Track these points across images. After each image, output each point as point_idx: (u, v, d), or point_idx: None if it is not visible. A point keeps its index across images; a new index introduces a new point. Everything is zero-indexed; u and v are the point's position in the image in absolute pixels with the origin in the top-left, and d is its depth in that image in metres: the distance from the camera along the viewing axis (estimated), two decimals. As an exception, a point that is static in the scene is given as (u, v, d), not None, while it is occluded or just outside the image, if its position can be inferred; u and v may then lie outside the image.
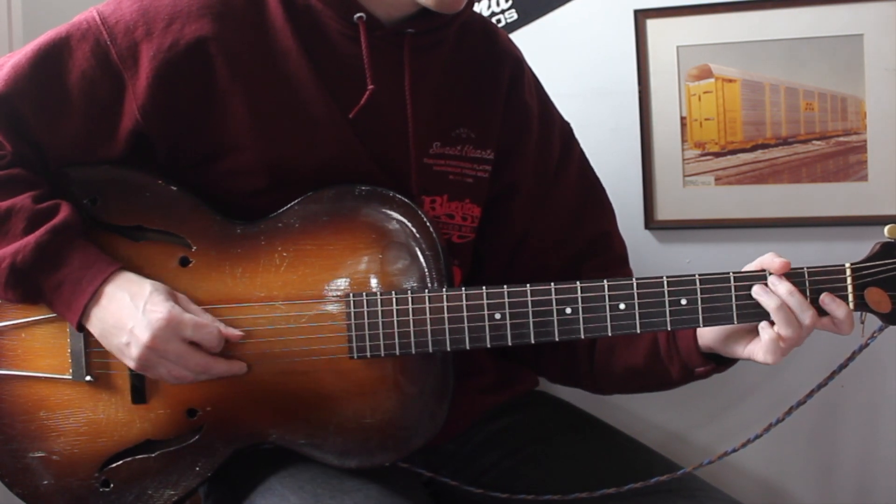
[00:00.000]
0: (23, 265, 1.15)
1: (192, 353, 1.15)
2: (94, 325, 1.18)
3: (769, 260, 1.13)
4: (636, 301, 1.13)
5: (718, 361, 1.22)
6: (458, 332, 1.16)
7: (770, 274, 1.12)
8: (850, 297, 1.12)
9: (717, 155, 1.73)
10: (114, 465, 1.22)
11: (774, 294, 1.11)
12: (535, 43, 1.73)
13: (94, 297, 1.16)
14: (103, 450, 1.22)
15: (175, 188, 1.23)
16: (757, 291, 1.12)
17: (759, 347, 1.13)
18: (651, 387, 1.33)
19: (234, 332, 1.17)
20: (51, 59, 1.20)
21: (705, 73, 1.71)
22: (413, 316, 1.16)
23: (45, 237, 1.16)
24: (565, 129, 1.41)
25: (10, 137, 1.21)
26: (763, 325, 1.12)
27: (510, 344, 1.16)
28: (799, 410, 1.20)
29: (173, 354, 1.14)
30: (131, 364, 1.16)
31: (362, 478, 1.20)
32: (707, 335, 1.19)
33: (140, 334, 1.14)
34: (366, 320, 1.17)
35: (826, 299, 1.12)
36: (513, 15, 1.81)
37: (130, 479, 1.22)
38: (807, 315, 1.10)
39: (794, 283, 1.12)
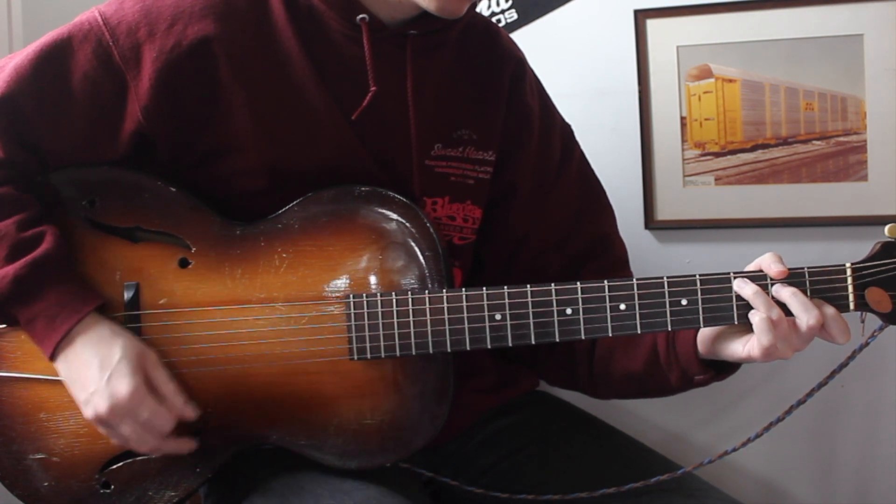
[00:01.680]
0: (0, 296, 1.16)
1: (142, 435, 1.15)
2: (61, 370, 1.17)
3: (767, 264, 1.13)
4: (636, 302, 1.13)
5: (718, 369, 1.21)
6: (459, 332, 1.16)
7: (770, 277, 1.12)
8: (851, 297, 1.11)
9: (717, 155, 1.73)
10: (114, 466, 1.21)
11: (752, 283, 1.12)
12: (535, 43, 1.73)
13: (66, 337, 1.15)
14: (103, 451, 1.22)
15: (174, 189, 1.23)
16: (738, 285, 1.12)
17: (754, 335, 1.12)
18: (650, 393, 1.33)
19: (190, 414, 1.17)
20: (53, 60, 1.20)
21: (705, 73, 1.72)
22: (413, 317, 1.16)
23: (23, 271, 1.15)
24: (566, 131, 1.41)
25: (7, 142, 1.20)
26: (752, 312, 1.12)
27: (510, 345, 1.16)
28: (799, 410, 1.20)
29: (125, 431, 1.15)
30: (86, 418, 1.17)
31: (362, 478, 1.20)
32: (707, 339, 1.19)
33: (98, 402, 1.14)
34: (366, 321, 1.17)
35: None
36: (513, 15, 1.81)
37: (131, 481, 1.21)
38: (812, 315, 1.10)
39: (795, 284, 1.11)
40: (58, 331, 1.15)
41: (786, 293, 1.11)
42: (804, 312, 1.10)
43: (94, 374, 1.15)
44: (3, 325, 1.23)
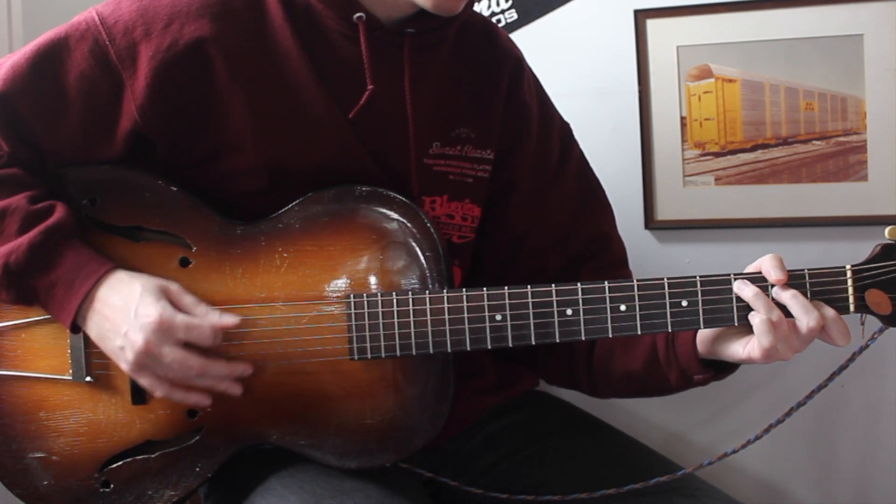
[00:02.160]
0: (16, 266, 1.15)
1: (186, 356, 1.14)
2: (91, 329, 1.18)
3: (767, 269, 1.13)
4: (637, 303, 1.13)
5: (717, 369, 1.21)
6: (459, 333, 1.16)
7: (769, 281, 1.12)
8: (851, 299, 1.11)
9: (717, 155, 1.73)
10: (114, 465, 1.22)
11: (752, 285, 1.12)
12: (535, 43, 1.73)
13: (87, 298, 1.16)
14: (103, 450, 1.22)
15: (175, 188, 1.23)
16: (738, 287, 1.12)
17: (755, 337, 1.12)
18: (649, 392, 1.33)
19: (229, 321, 1.15)
20: (50, 59, 1.20)
21: (705, 73, 1.72)
22: (414, 317, 1.16)
23: (38, 238, 1.15)
24: (565, 130, 1.41)
25: (8, 138, 1.21)
26: (752, 314, 1.12)
27: (511, 345, 1.15)
28: (799, 411, 1.20)
29: (168, 357, 1.13)
30: (127, 368, 1.16)
31: (362, 478, 1.20)
32: (706, 339, 1.19)
33: (133, 337, 1.14)
34: (366, 321, 1.17)
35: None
36: (513, 15, 1.81)
37: (130, 480, 1.21)
38: (812, 317, 1.10)
39: (795, 285, 1.11)
40: (78, 293, 1.15)
41: (786, 295, 1.11)
42: (804, 314, 1.10)
43: (120, 315, 1.14)
44: (8, 323, 1.23)
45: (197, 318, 1.15)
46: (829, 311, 1.11)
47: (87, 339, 1.20)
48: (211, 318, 1.15)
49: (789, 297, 1.11)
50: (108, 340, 1.16)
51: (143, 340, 1.13)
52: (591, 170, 1.43)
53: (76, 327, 1.18)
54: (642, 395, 1.36)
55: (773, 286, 1.12)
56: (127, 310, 1.14)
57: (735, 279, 1.13)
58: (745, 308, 1.12)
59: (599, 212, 1.41)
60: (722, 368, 1.21)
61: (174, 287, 1.17)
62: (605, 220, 1.41)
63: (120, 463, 1.22)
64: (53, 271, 1.16)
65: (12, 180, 1.19)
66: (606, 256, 1.39)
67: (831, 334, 1.11)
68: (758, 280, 1.12)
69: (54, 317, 1.19)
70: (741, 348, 1.14)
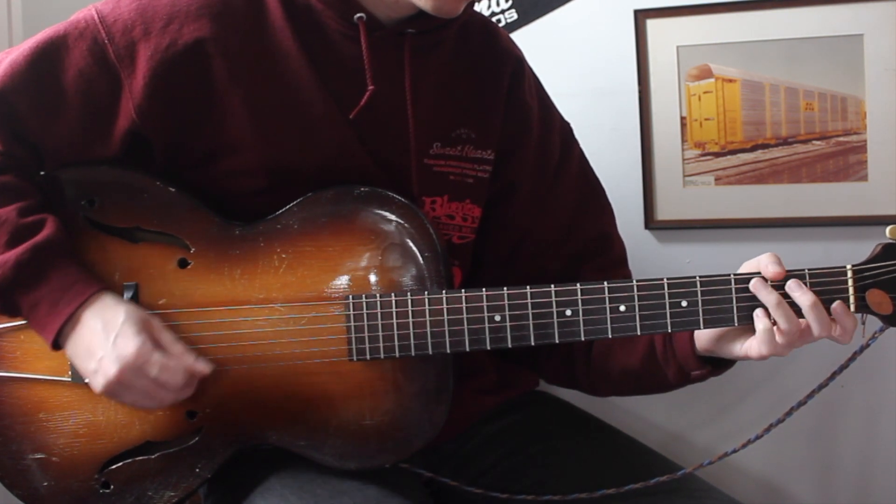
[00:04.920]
0: (2, 282, 1.15)
1: (156, 390, 1.14)
2: (69, 348, 1.17)
3: (765, 264, 1.13)
4: (636, 303, 1.13)
5: (715, 365, 1.21)
6: (458, 333, 1.15)
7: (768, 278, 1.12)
8: (852, 299, 1.11)
9: (717, 155, 1.73)
10: (114, 466, 1.22)
11: (776, 292, 1.11)
12: (535, 43, 1.73)
13: (71, 320, 1.15)
14: (103, 451, 1.22)
15: (173, 189, 1.23)
16: (755, 286, 1.12)
17: (755, 340, 1.12)
18: (647, 389, 1.33)
19: (203, 368, 1.16)
20: (48, 56, 1.20)
21: (705, 73, 1.71)
22: (412, 318, 1.16)
23: (25, 255, 1.14)
24: (565, 130, 1.41)
25: (4, 136, 1.20)
26: (758, 314, 1.12)
27: (510, 346, 1.15)
28: (799, 410, 1.20)
29: (139, 389, 1.14)
30: (97, 390, 1.15)
31: (362, 478, 1.20)
32: (704, 336, 1.19)
33: (107, 367, 1.13)
34: (365, 322, 1.17)
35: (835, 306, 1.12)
36: (513, 15, 1.81)
37: (130, 481, 1.21)
38: (825, 329, 1.10)
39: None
40: (61, 314, 1.15)
41: (806, 302, 1.11)
42: (819, 328, 1.10)
43: (99, 340, 1.14)
44: (8, 324, 1.23)
45: (173, 359, 1.14)
46: (849, 322, 1.11)
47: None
48: (186, 361, 1.15)
49: (809, 306, 1.10)
50: (81, 361, 1.16)
51: (116, 372, 1.13)
52: (591, 170, 1.43)
53: (58, 345, 1.16)
54: (640, 392, 1.36)
55: (786, 285, 1.12)
56: (106, 336, 1.13)
57: (736, 280, 1.13)
58: (746, 308, 1.12)
59: (599, 212, 1.41)
60: (720, 364, 1.21)
61: (156, 322, 1.17)
62: (606, 221, 1.41)
63: (120, 464, 1.21)
64: (38, 290, 1.15)
65: (4, 188, 1.18)
66: (606, 256, 1.39)
67: (839, 333, 1.12)
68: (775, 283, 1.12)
69: (37, 332, 1.18)
70: (738, 346, 1.14)
